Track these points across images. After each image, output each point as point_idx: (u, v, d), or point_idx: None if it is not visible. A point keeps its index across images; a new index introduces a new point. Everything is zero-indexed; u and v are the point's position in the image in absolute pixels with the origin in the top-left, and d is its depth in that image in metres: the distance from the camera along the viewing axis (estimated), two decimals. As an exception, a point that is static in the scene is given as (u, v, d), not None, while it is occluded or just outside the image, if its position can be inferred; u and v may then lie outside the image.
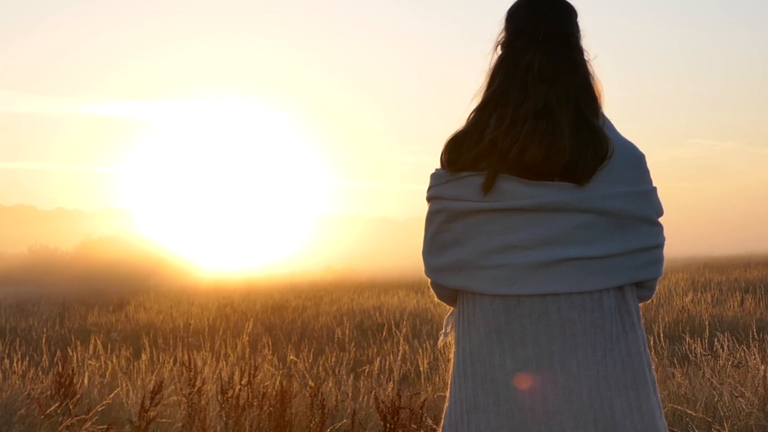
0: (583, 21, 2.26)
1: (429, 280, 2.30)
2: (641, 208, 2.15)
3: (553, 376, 2.11)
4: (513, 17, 2.24)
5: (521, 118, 2.12)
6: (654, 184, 2.21)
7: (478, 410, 2.15)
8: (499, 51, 2.24)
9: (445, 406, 2.29)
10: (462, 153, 2.16)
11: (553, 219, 2.12)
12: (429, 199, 2.24)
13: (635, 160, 2.16)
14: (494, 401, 2.14)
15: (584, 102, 2.15)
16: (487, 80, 2.23)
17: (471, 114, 2.22)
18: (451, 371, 2.28)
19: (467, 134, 2.18)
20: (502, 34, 2.25)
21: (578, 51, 2.21)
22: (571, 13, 2.24)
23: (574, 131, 2.11)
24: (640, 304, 2.26)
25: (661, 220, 2.22)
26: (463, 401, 2.19)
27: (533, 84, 2.14)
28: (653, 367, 2.28)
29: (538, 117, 2.12)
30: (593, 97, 2.18)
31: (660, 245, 2.20)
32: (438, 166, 2.24)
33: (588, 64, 2.21)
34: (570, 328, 2.11)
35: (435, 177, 2.22)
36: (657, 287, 2.27)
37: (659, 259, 2.20)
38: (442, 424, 2.28)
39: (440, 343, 2.49)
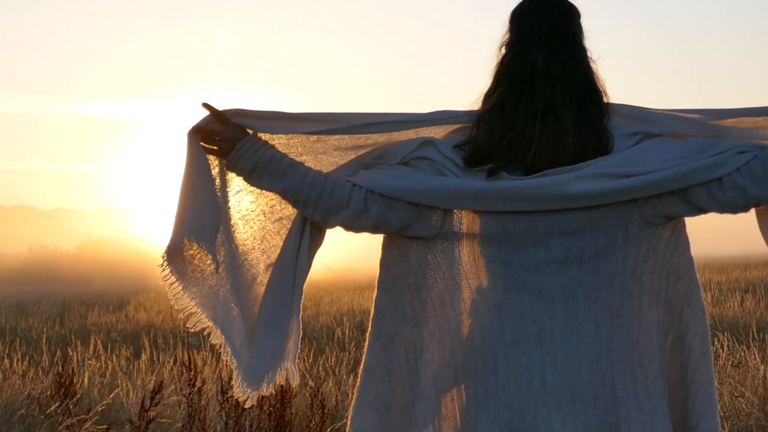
0: (584, 21, 2.28)
1: (380, 199, 2.18)
2: (646, 152, 2.14)
3: (552, 350, 2.12)
4: (517, 18, 2.25)
5: (531, 117, 2.14)
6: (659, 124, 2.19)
7: (476, 378, 2.16)
8: (503, 51, 2.25)
9: (425, 369, 2.24)
10: (483, 157, 2.17)
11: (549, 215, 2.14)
12: (433, 159, 2.19)
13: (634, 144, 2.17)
14: (492, 371, 2.14)
15: (588, 100, 2.17)
16: (493, 80, 2.24)
17: (485, 113, 2.20)
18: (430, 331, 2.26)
19: (495, 145, 2.16)
20: (507, 35, 2.26)
21: (582, 50, 2.23)
22: (574, 14, 2.25)
23: (577, 129, 2.13)
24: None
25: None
26: (458, 368, 2.19)
27: (539, 83, 2.16)
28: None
29: (545, 116, 2.14)
30: (597, 95, 2.19)
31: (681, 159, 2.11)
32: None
33: (591, 63, 2.22)
34: (573, 305, 2.12)
35: (452, 166, 2.20)
36: (733, 188, 2.10)
37: (699, 167, 2.09)
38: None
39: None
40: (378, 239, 2.33)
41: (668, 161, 2.10)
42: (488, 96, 2.22)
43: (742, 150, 2.12)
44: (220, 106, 2.24)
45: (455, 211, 2.18)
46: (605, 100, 2.20)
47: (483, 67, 2.27)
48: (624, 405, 2.11)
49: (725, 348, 7.47)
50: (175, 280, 2.26)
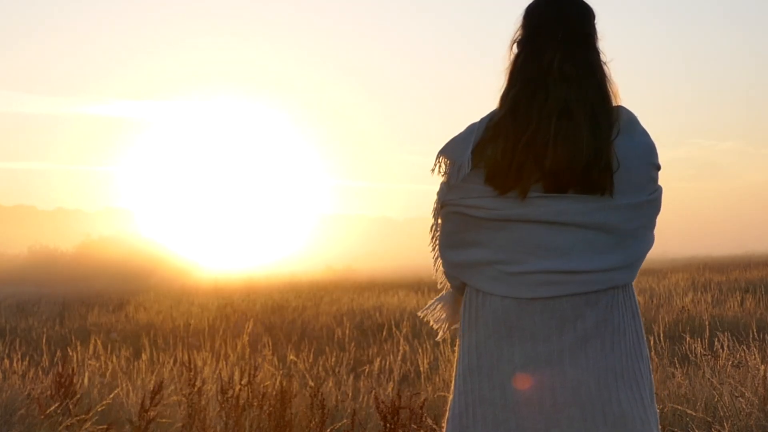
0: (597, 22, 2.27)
1: (445, 274, 2.34)
2: (646, 217, 2.19)
3: (562, 370, 2.12)
4: (532, 15, 2.23)
5: (545, 118, 2.13)
6: (659, 183, 2.24)
7: (484, 403, 2.16)
8: (515, 49, 2.23)
9: (449, 398, 2.30)
10: (509, 175, 2.15)
11: (569, 231, 2.14)
12: (447, 203, 2.25)
13: (644, 168, 2.17)
14: (501, 394, 2.15)
15: (598, 105, 2.16)
16: (507, 79, 2.22)
17: (500, 121, 2.19)
18: (455, 363, 2.29)
19: (513, 152, 2.15)
20: (519, 32, 2.24)
21: (596, 52, 2.21)
22: (589, 14, 2.23)
23: (590, 134, 2.12)
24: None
25: (662, 219, 2.25)
26: (468, 394, 2.20)
27: (553, 84, 2.14)
28: (651, 364, 2.31)
29: (560, 117, 2.13)
30: (608, 101, 2.18)
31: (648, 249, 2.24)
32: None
33: (604, 66, 2.21)
34: (582, 323, 2.13)
35: (471, 190, 2.20)
36: None
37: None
38: (446, 416, 2.29)
39: (440, 337, 2.50)
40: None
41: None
42: (504, 98, 2.21)
43: None
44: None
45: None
46: (615, 103, 2.19)
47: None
48: (630, 418, 2.13)
49: (725, 348, 7.46)
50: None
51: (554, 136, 2.11)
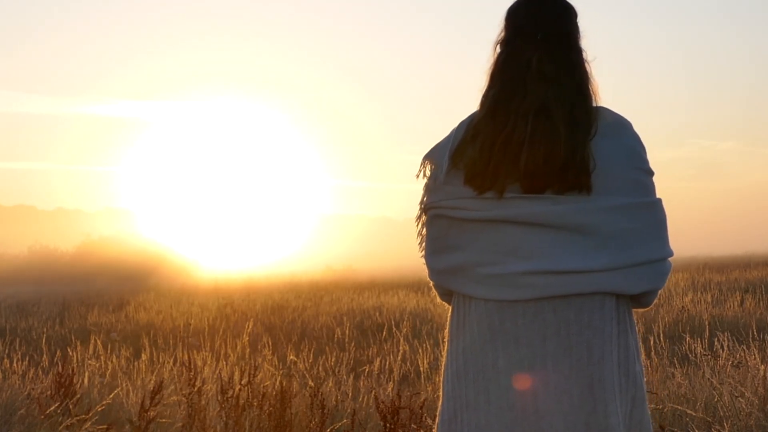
0: (581, 21, 2.25)
1: (431, 282, 2.31)
2: (637, 221, 2.13)
3: (545, 377, 2.10)
4: (513, 16, 2.23)
5: (522, 118, 2.12)
6: (657, 195, 2.19)
7: (470, 408, 2.16)
8: (498, 50, 2.23)
9: (439, 404, 2.29)
10: (486, 175, 2.14)
11: (547, 232, 2.12)
12: (428, 208, 2.25)
13: (628, 170, 2.14)
14: (485, 399, 2.14)
15: (578, 104, 2.14)
16: (488, 80, 2.22)
17: (479, 123, 2.19)
18: (443, 368, 2.29)
19: (490, 152, 2.14)
20: (502, 33, 2.24)
21: (577, 51, 2.20)
22: (570, 13, 2.22)
23: (568, 134, 2.10)
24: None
25: None
26: (456, 399, 2.19)
27: (532, 83, 2.13)
28: (644, 371, 2.27)
29: (537, 116, 2.12)
30: (588, 100, 2.16)
31: (660, 259, 2.16)
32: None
33: (586, 65, 2.20)
34: (565, 329, 2.10)
35: (452, 191, 2.19)
36: (656, 298, 2.22)
37: (659, 272, 2.17)
38: (437, 422, 2.28)
39: None
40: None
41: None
42: (484, 98, 2.20)
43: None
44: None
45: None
46: (595, 103, 2.18)
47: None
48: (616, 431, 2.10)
49: (725, 348, 7.47)
50: None
51: (531, 136, 2.09)
